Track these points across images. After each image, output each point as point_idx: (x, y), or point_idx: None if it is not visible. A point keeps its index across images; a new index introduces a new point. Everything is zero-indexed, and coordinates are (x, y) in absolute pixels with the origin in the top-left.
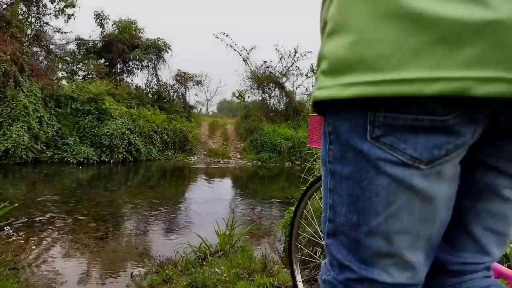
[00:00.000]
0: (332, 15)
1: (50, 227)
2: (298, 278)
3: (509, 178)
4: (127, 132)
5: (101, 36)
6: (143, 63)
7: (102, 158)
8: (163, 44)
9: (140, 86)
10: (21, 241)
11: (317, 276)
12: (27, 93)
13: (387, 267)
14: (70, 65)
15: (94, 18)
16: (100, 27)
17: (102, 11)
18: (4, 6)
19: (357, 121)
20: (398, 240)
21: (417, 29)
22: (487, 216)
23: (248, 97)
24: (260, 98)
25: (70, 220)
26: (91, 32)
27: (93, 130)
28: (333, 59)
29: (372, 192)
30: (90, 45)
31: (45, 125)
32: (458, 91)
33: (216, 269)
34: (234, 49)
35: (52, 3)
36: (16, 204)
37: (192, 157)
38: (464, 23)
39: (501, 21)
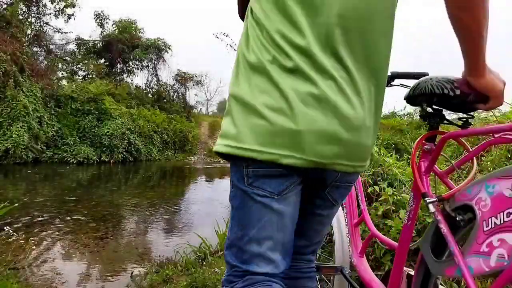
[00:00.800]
0: (227, 106)
1: (50, 227)
2: None
3: (316, 205)
4: (127, 132)
5: (101, 36)
6: (143, 63)
7: (102, 158)
8: (163, 44)
9: (140, 86)
10: (21, 241)
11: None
12: (27, 93)
13: (259, 262)
14: (70, 65)
15: (94, 18)
16: (100, 27)
17: (102, 11)
18: (4, 6)
19: (240, 175)
20: (265, 244)
21: (257, 123)
22: (313, 223)
23: None
24: None
25: (70, 220)
26: (91, 32)
27: (93, 130)
28: (222, 129)
29: (250, 214)
30: (90, 45)
31: (45, 125)
32: (274, 160)
33: (216, 269)
34: (234, 49)
35: (52, 3)
36: (16, 204)
37: (192, 157)
38: (281, 127)
39: (299, 130)
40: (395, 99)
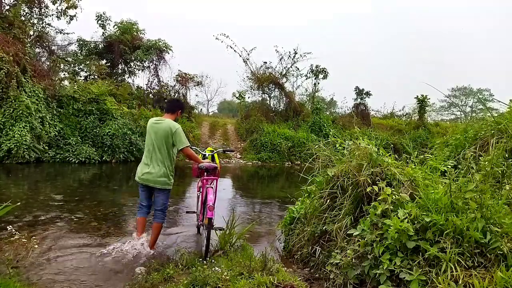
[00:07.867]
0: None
1: (52, 226)
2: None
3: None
4: (128, 132)
5: (103, 37)
6: (144, 64)
7: (103, 158)
8: (164, 45)
9: (141, 87)
10: (24, 240)
11: (317, 275)
12: (30, 94)
13: (142, 202)
14: (72, 65)
15: (96, 20)
16: (102, 28)
17: (103, 13)
18: (7, 7)
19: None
20: (141, 198)
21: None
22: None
23: (248, 97)
24: (260, 98)
25: (72, 219)
26: (93, 33)
27: (95, 130)
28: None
29: (140, 190)
30: (92, 46)
31: (47, 125)
32: (139, 181)
33: (217, 268)
34: (234, 50)
35: (54, 4)
36: (19, 203)
37: None
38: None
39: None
40: (393, 100)
